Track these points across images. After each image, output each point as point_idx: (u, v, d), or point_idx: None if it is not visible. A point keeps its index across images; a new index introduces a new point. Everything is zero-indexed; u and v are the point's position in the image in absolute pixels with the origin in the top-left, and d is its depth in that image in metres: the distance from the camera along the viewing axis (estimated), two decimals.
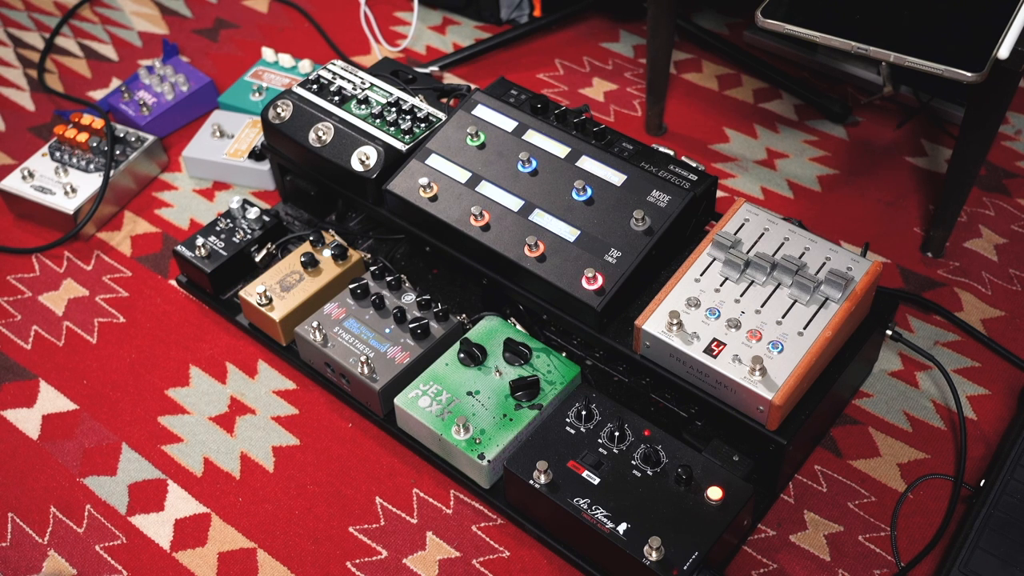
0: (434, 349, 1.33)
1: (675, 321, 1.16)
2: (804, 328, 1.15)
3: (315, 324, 1.34)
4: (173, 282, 1.58)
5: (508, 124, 1.41)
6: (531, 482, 1.16)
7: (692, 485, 1.14)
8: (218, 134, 1.72)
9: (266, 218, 1.52)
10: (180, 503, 1.31)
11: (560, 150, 1.37)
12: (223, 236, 1.50)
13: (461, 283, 1.47)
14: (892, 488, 1.26)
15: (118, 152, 1.69)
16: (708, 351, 1.15)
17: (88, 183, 1.65)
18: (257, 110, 1.78)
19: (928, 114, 1.73)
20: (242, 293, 1.42)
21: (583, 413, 1.21)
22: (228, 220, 1.52)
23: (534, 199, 1.33)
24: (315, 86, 1.53)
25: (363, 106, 1.49)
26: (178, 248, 1.49)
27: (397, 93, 1.51)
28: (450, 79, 1.89)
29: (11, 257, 1.64)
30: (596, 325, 1.25)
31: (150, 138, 1.73)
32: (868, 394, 1.35)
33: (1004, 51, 1.14)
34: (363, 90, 1.52)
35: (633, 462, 1.17)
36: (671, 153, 1.36)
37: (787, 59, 1.87)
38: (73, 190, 1.63)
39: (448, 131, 1.42)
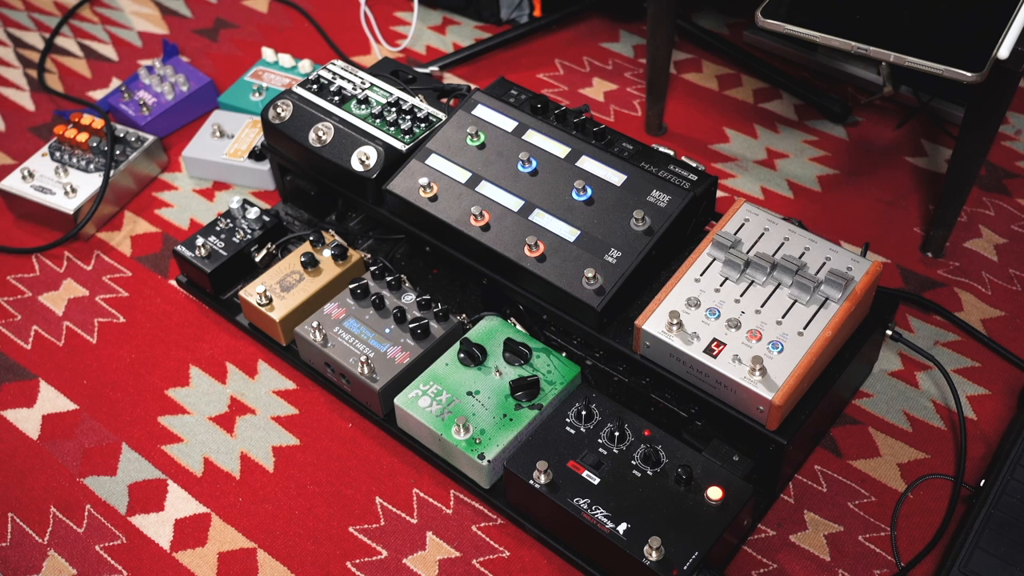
0: (434, 349, 1.33)
1: (675, 321, 1.16)
2: (804, 328, 1.15)
3: (315, 324, 1.34)
4: (173, 282, 1.58)
5: (508, 124, 1.41)
6: (531, 482, 1.16)
7: (692, 485, 1.14)
8: (218, 134, 1.72)
9: (266, 218, 1.52)
10: (180, 503, 1.31)
11: (560, 150, 1.37)
12: (223, 236, 1.50)
13: (461, 283, 1.47)
14: (892, 488, 1.26)
15: (118, 152, 1.69)
16: (708, 351, 1.15)
17: (88, 183, 1.65)
18: (257, 110, 1.78)
19: (928, 114, 1.73)
20: (242, 293, 1.42)
21: (583, 413, 1.21)
22: (228, 220, 1.52)
23: (534, 199, 1.33)
24: (315, 86, 1.53)
25: (363, 106, 1.49)
26: (178, 248, 1.49)
27: (397, 93, 1.51)
28: (450, 79, 1.89)
29: (11, 257, 1.64)
30: (596, 325, 1.25)
31: (150, 138, 1.73)
32: (868, 394, 1.35)
33: (1004, 51, 1.14)
34: (363, 90, 1.52)
35: (633, 462, 1.17)
36: (671, 153, 1.36)
37: (787, 59, 1.87)
38: (73, 190, 1.63)
39: (448, 131, 1.42)
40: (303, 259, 1.42)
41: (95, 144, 1.70)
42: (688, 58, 1.90)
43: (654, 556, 1.07)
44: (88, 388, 1.45)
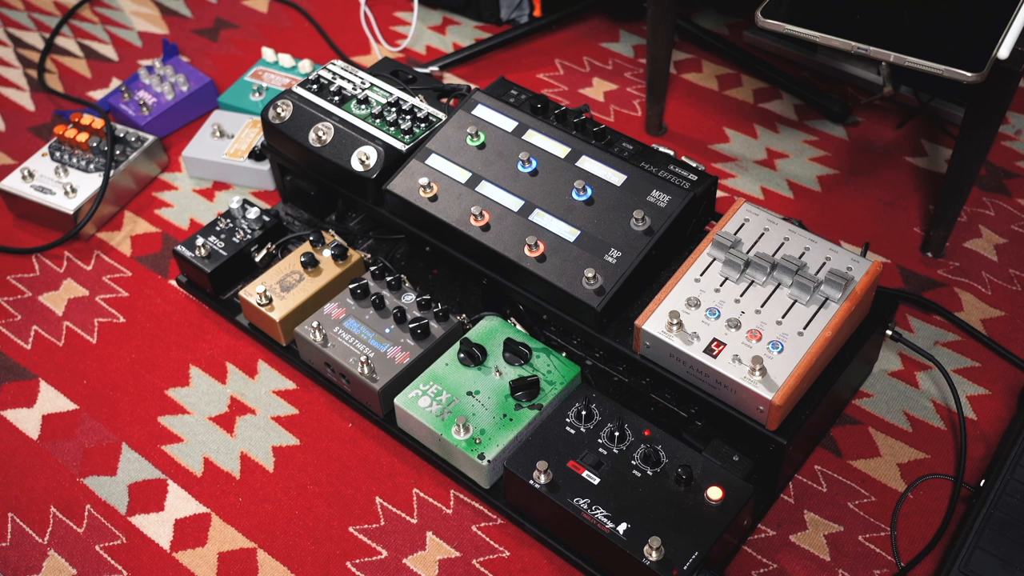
0: (434, 349, 1.33)
1: (675, 321, 1.16)
2: (804, 328, 1.15)
3: (315, 324, 1.34)
4: (173, 282, 1.58)
5: (508, 124, 1.41)
6: (531, 482, 1.16)
7: (692, 485, 1.14)
8: (218, 134, 1.72)
9: (266, 218, 1.52)
10: (180, 503, 1.31)
11: (560, 150, 1.37)
12: (223, 236, 1.50)
13: (461, 283, 1.47)
14: (892, 488, 1.26)
15: (118, 152, 1.69)
16: (708, 351, 1.15)
17: (88, 183, 1.65)
18: (257, 110, 1.78)
19: (928, 114, 1.73)
20: (242, 293, 1.42)
21: (583, 413, 1.21)
22: (228, 220, 1.52)
23: (534, 199, 1.33)
24: (315, 86, 1.53)
25: (363, 106, 1.49)
26: (178, 248, 1.49)
27: (397, 93, 1.51)
28: (450, 79, 1.89)
29: (11, 257, 1.64)
30: (596, 325, 1.25)
31: (150, 138, 1.73)
32: (868, 394, 1.35)
33: (1004, 51, 1.14)
34: (363, 90, 1.52)
35: (633, 462, 1.17)
36: (671, 153, 1.36)
37: (787, 59, 1.87)
38: (73, 190, 1.63)
39: (448, 131, 1.42)
40: (303, 259, 1.42)
41: (95, 144, 1.70)
42: (688, 58, 1.90)
43: (654, 556, 1.07)
44: (88, 388, 1.45)
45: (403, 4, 2.08)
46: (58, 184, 1.65)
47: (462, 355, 1.29)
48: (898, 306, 1.29)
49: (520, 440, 1.23)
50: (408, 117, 1.46)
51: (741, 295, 1.19)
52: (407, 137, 1.44)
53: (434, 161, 1.40)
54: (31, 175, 1.66)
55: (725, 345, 1.15)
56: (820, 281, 1.18)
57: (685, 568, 1.07)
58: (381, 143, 1.43)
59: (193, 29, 2.07)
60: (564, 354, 1.34)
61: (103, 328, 1.52)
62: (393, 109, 1.48)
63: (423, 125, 1.46)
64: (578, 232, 1.28)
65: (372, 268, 1.41)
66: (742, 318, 1.17)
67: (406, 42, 1.97)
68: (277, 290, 1.41)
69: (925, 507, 1.24)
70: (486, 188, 1.35)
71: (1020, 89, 1.75)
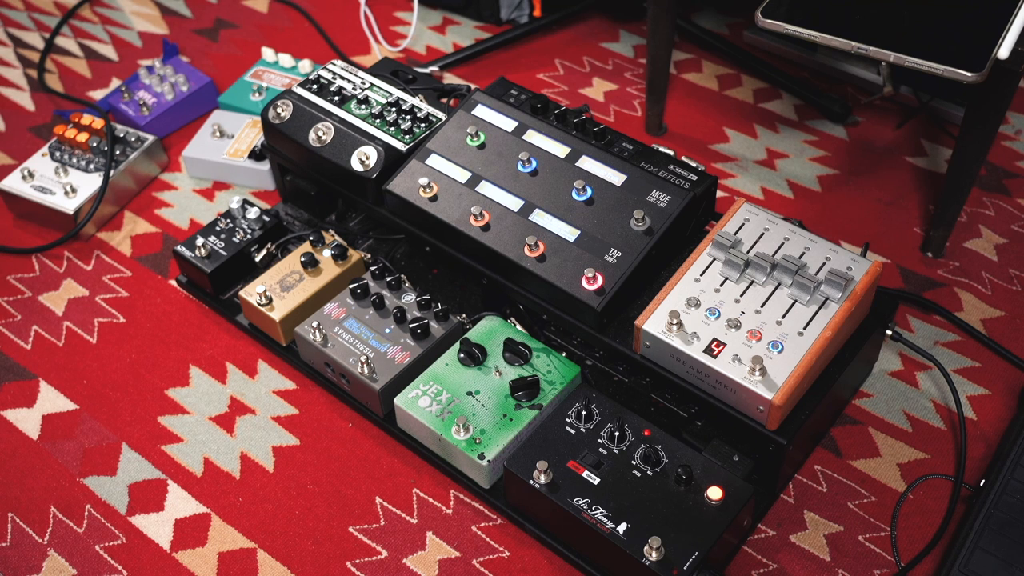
0: (434, 349, 1.33)
1: (675, 321, 1.16)
2: (804, 328, 1.15)
3: (315, 324, 1.34)
4: (173, 282, 1.58)
5: (508, 124, 1.41)
6: (531, 482, 1.16)
7: (692, 485, 1.14)
8: (218, 134, 1.72)
9: (266, 218, 1.52)
10: (180, 503, 1.31)
11: (560, 150, 1.37)
12: (223, 236, 1.50)
13: (461, 283, 1.47)
14: (892, 488, 1.26)
15: (118, 152, 1.69)
16: (708, 351, 1.15)
17: (88, 183, 1.65)
18: (257, 110, 1.78)
19: (928, 114, 1.73)
20: (242, 293, 1.42)
21: (583, 413, 1.21)
22: (228, 220, 1.52)
23: (534, 199, 1.33)
24: (315, 86, 1.53)
25: (363, 106, 1.49)
26: (178, 248, 1.49)
27: (397, 93, 1.51)
28: (450, 79, 1.89)
29: (11, 257, 1.64)
30: (596, 325, 1.25)
31: (150, 138, 1.73)
32: (868, 394, 1.35)
33: (1004, 51, 1.14)
34: (363, 90, 1.52)
35: (633, 462, 1.17)
36: (671, 153, 1.36)
37: (787, 59, 1.87)
38: (73, 190, 1.63)
39: (448, 131, 1.42)
40: (303, 259, 1.42)
41: (95, 144, 1.70)
42: (688, 58, 1.90)
43: (654, 556, 1.07)
44: (88, 388, 1.45)
45: (403, 4, 2.08)
46: (58, 184, 1.65)
47: (462, 355, 1.29)
48: (898, 306, 1.29)
49: (520, 440, 1.23)
50: (408, 117, 1.46)
51: (741, 295, 1.19)
52: (407, 137, 1.44)
53: (434, 161, 1.40)
54: (31, 175, 1.66)
55: (725, 345, 1.15)
56: (820, 281, 1.18)
57: (685, 568, 1.07)
58: (381, 143, 1.43)
59: (193, 29, 2.07)
60: (564, 354, 1.34)
61: (103, 328, 1.52)
62: (393, 109, 1.48)
63: (423, 125, 1.46)
64: (578, 232, 1.28)
65: (372, 268, 1.41)
66: (742, 318, 1.17)
67: (406, 42, 1.97)
68: (277, 290, 1.41)
69: (925, 507, 1.24)
70: (486, 188, 1.35)
71: (1020, 89, 1.75)
